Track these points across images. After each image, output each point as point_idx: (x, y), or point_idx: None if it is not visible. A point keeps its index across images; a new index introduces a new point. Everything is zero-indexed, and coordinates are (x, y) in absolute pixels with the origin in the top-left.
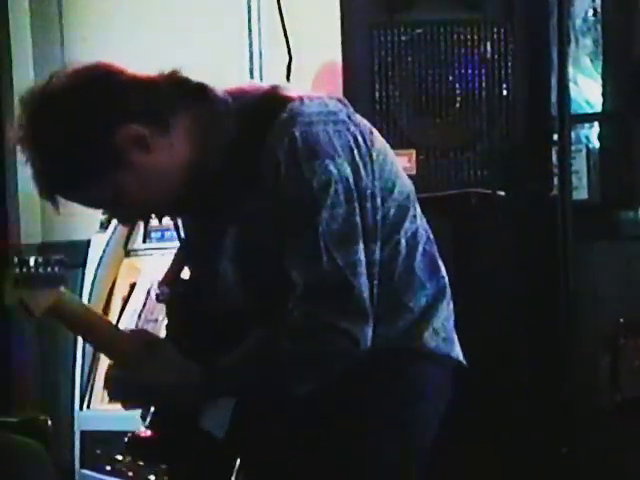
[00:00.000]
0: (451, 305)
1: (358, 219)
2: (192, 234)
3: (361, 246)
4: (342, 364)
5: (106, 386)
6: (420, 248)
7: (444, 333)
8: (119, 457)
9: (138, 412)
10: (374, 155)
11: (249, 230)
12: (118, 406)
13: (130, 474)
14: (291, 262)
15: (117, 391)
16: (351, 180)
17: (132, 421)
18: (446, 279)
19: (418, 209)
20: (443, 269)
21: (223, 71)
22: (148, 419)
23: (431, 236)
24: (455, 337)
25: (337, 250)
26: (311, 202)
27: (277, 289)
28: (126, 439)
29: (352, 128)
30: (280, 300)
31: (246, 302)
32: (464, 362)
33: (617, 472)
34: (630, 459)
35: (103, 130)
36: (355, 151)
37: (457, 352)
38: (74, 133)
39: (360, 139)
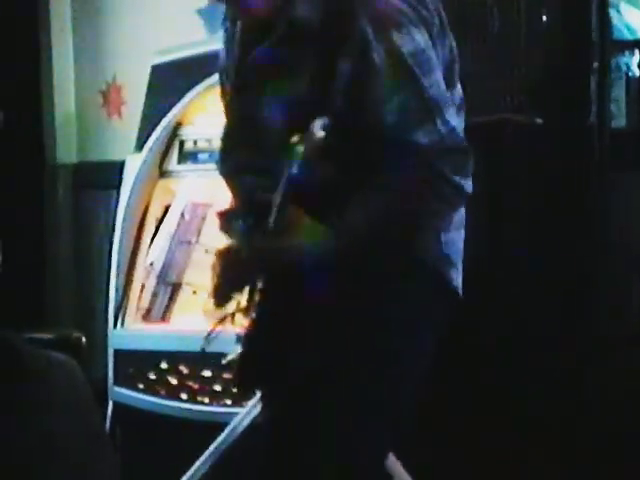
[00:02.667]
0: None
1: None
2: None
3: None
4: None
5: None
6: None
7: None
8: (152, 375)
9: (170, 333)
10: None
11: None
12: (151, 325)
13: (162, 392)
14: (405, 125)
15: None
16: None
17: (165, 340)
18: None
19: None
20: None
21: None
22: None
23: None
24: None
25: (445, 114)
26: (410, 70)
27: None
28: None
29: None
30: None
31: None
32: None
33: None
34: None
35: None
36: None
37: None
38: None
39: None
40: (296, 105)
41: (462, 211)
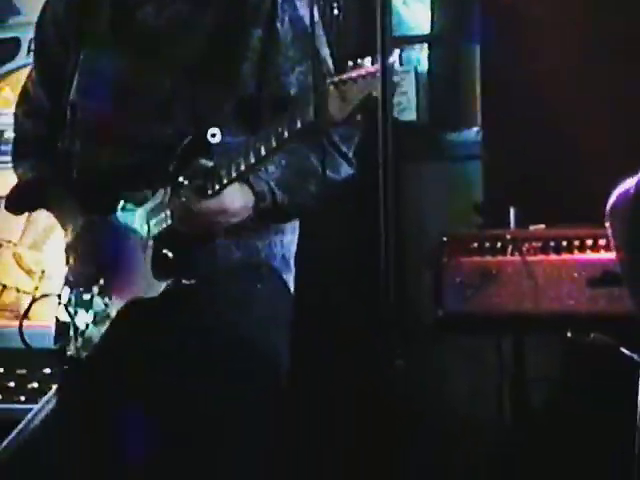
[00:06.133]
0: None
1: None
2: None
3: None
4: None
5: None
6: None
7: None
8: None
9: None
10: None
11: None
12: None
13: None
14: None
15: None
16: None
17: None
18: None
19: None
20: None
21: None
22: None
23: None
24: None
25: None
26: (311, 41)
27: None
28: None
29: None
30: None
31: None
32: None
33: (440, 380)
34: (450, 368)
35: None
36: None
37: None
38: None
39: None
40: (191, 71)
41: None
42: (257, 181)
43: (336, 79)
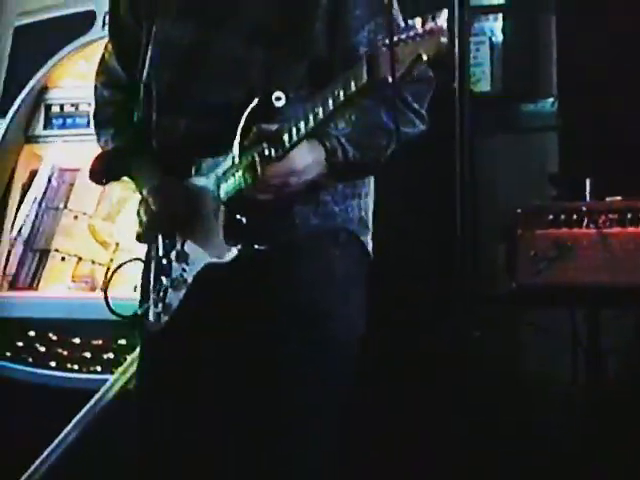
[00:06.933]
0: None
1: None
2: None
3: None
4: None
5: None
6: None
7: None
8: (19, 343)
9: (38, 300)
10: None
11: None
12: (18, 293)
13: (30, 360)
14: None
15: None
16: None
17: (32, 308)
18: None
19: None
20: None
21: None
22: None
23: None
24: None
25: None
26: None
27: None
28: None
29: None
30: None
31: None
32: None
33: (515, 351)
34: (525, 339)
35: None
36: None
37: None
38: None
39: None
40: (263, 34)
41: None
42: (327, 137)
43: (387, 40)
